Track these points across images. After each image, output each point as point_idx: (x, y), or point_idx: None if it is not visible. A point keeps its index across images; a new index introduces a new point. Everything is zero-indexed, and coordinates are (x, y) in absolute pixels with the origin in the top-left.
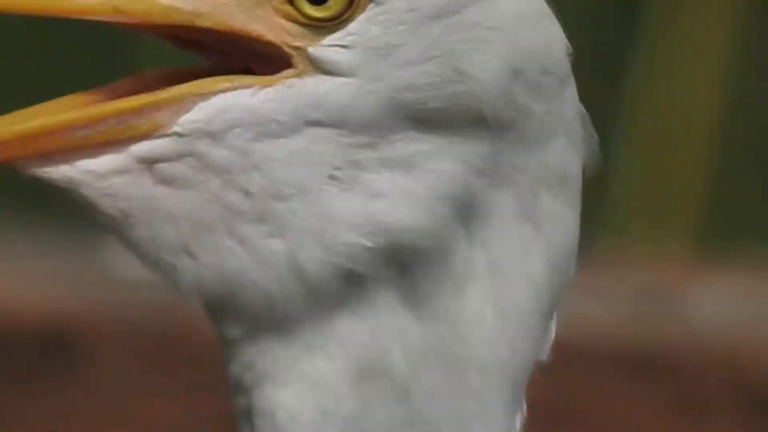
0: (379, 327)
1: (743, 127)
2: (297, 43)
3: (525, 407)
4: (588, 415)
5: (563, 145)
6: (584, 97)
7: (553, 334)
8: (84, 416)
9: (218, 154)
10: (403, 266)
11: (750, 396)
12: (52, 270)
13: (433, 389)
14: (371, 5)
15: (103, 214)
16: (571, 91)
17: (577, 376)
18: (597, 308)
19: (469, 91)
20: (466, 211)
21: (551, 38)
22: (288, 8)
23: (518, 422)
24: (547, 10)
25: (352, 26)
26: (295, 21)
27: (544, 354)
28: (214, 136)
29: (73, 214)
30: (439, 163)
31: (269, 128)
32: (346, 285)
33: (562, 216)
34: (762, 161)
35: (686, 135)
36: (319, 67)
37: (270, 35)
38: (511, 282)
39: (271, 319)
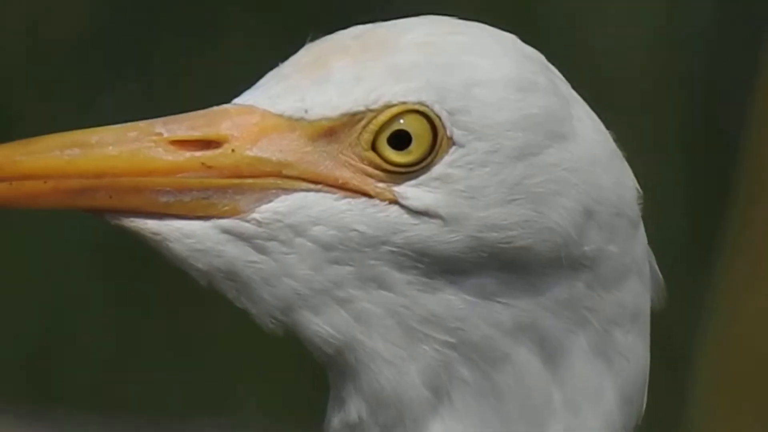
0: None
1: None
2: (381, 186)
3: None
4: None
5: (635, 283)
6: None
7: None
8: None
9: (301, 243)
10: (494, 391)
11: None
12: None
13: None
14: (453, 147)
15: (197, 270)
16: (641, 233)
17: None
18: None
19: (548, 231)
20: (541, 348)
21: (623, 181)
22: (371, 154)
23: None
24: (619, 153)
25: (435, 170)
26: (378, 167)
27: None
28: (294, 228)
29: (80, 409)
30: (511, 299)
31: (348, 235)
32: (439, 375)
33: (633, 349)
34: None
35: None
36: (403, 205)
37: (355, 181)
38: (587, 419)
39: (385, 399)
